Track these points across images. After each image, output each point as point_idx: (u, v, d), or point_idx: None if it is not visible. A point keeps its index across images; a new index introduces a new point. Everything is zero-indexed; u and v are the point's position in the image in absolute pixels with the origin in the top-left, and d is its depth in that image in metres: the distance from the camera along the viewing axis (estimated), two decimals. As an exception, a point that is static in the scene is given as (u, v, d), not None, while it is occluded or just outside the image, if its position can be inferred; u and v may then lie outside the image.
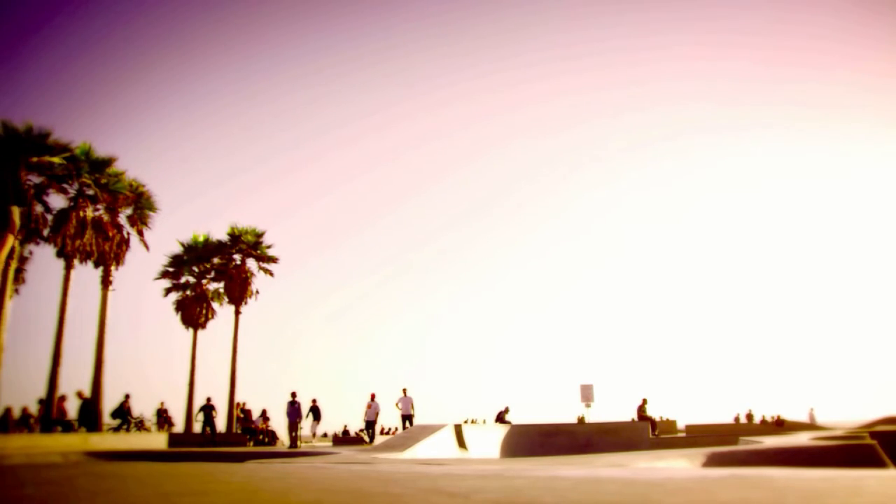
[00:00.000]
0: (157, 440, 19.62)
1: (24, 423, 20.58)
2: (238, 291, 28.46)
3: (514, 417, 24.23)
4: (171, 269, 28.96)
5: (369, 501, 1.43)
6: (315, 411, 22.02)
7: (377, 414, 21.37)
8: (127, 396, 20.73)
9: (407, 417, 20.17)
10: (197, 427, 23.67)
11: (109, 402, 21.41)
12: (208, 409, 21.99)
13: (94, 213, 22.80)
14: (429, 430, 12.31)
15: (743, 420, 33.30)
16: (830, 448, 8.42)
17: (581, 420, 25.22)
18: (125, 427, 20.46)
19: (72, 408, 20.11)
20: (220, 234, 29.41)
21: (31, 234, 20.76)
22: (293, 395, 20.70)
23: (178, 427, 24.94)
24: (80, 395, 20.19)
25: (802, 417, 30.43)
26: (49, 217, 21.47)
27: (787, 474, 1.69)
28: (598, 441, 17.27)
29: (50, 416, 19.87)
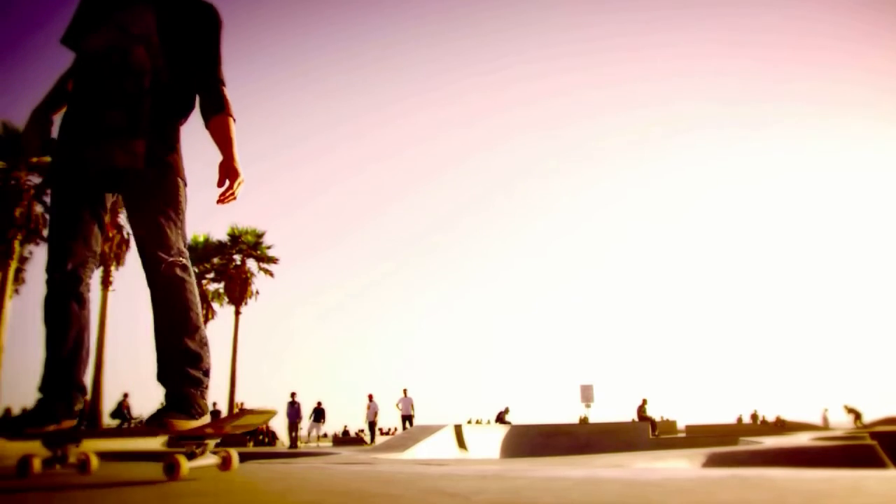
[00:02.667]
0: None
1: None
2: (238, 292, 28.45)
3: (515, 418, 24.22)
4: (171, 270, 28.91)
5: (369, 502, 1.43)
6: (319, 413, 22.07)
7: (376, 414, 21.39)
8: (125, 395, 20.67)
9: (407, 418, 20.17)
10: None
11: (109, 402, 21.41)
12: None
13: (94, 213, 22.77)
14: (429, 430, 12.31)
15: (746, 420, 33.10)
16: (830, 448, 8.42)
17: (584, 420, 25.15)
18: (123, 425, 20.45)
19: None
20: (220, 234, 29.44)
21: (31, 234, 20.77)
22: (293, 395, 20.72)
23: (178, 427, 24.91)
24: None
25: (814, 419, 29.94)
26: (49, 217, 21.47)
27: (787, 474, 1.69)
28: (598, 441, 17.25)
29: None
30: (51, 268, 2.19)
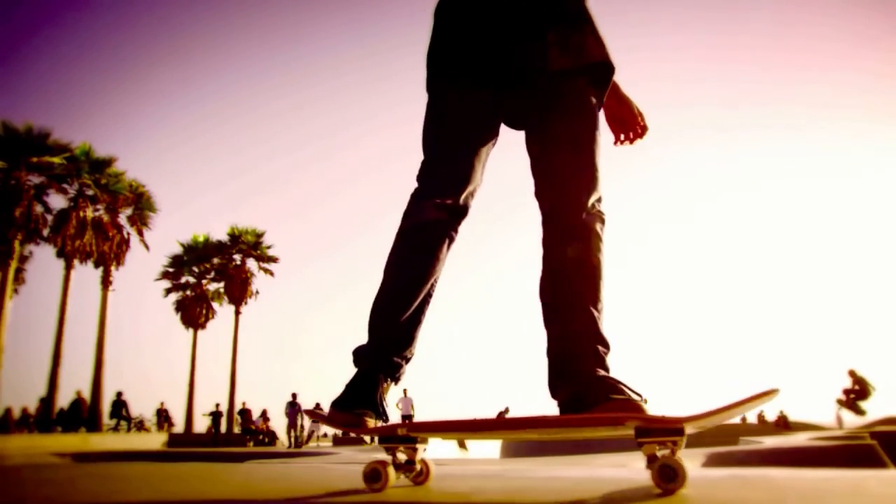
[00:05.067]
0: (156, 440, 19.62)
1: (24, 423, 20.60)
2: (238, 291, 28.46)
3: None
4: (171, 270, 28.98)
5: (369, 502, 1.43)
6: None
7: (377, 414, 21.51)
8: (118, 394, 20.63)
9: (407, 418, 20.22)
10: (200, 426, 24.21)
11: (109, 403, 21.44)
12: (217, 415, 22.67)
13: (94, 213, 22.83)
14: (429, 430, 12.30)
15: (752, 420, 33.03)
16: (830, 448, 8.42)
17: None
18: (122, 424, 20.49)
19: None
20: (221, 234, 29.50)
21: (31, 234, 20.79)
22: (293, 396, 20.85)
23: (179, 427, 25.00)
24: (78, 395, 20.24)
25: (826, 418, 29.80)
26: (49, 217, 21.53)
27: (787, 474, 1.69)
28: (598, 441, 17.24)
29: (49, 416, 19.88)
30: (433, 190, 1.64)
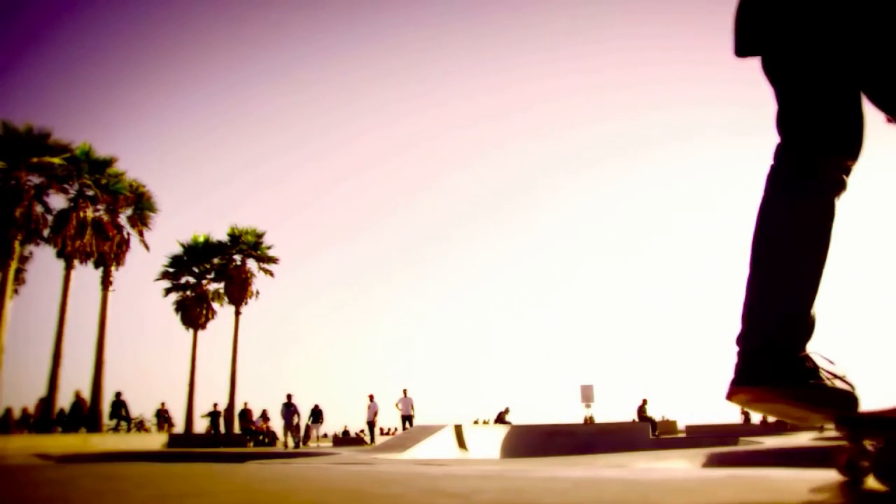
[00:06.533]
0: (157, 440, 19.64)
1: (24, 423, 20.62)
2: (238, 292, 28.47)
3: (515, 418, 24.26)
4: (171, 270, 28.99)
5: (369, 502, 1.43)
6: (317, 414, 22.29)
7: (375, 414, 21.53)
8: (118, 394, 20.65)
9: (407, 418, 20.22)
10: (200, 427, 24.25)
11: (109, 403, 21.46)
12: (216, 415, 22.68)
13: (94, 213, 22.84)
14: (429, 430, 12.32)
15: (755, 420, 33.16)
16: (831, 448, 8.41)
17: (589, 420, 25.15)
18: (121, 424, 20.51)
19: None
20: (221, 234, 29.49)
21: (31, 234, 20.81)
22: (289, 397, 20.93)
23: (179, 427, 25.01)
24: (77, 395, 20.26)
25: None
26: (49, 217, 21.54)
27: (787, 474, 1.69)
28: (598, 441, 17.26)
29: (49, 416, 19.89)
30: (836, 145, 1.35)
